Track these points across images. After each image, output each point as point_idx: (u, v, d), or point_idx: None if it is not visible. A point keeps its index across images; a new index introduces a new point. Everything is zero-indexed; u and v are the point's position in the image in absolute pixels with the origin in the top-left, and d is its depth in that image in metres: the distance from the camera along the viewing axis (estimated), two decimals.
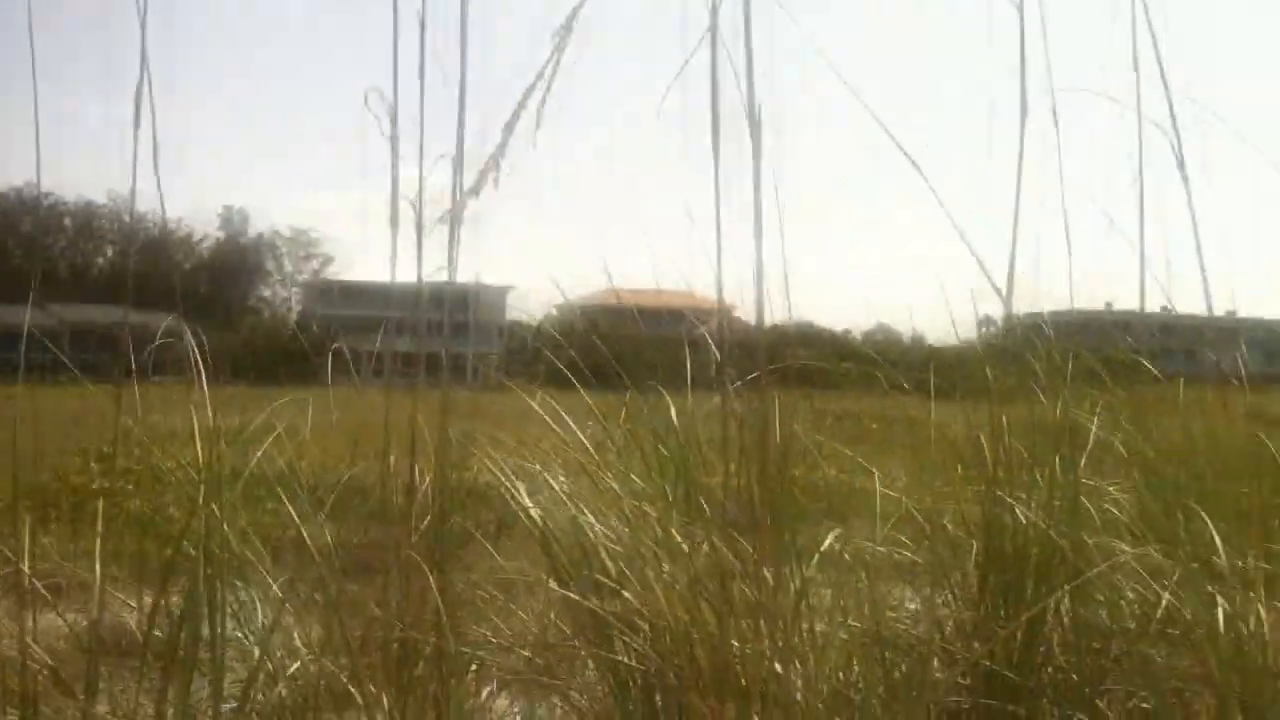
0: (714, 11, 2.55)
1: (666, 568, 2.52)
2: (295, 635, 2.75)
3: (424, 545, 2.77)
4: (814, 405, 3.79)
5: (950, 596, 3.00)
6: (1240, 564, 2.56)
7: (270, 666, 2.66)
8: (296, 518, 2.82)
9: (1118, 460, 3.22)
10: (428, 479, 2.92)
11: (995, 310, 3.50)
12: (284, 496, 2.89)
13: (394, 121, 2.72)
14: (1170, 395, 3.63)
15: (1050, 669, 2.78)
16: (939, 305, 3.92)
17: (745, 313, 2.96)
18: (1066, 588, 2.67)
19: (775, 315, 2.81)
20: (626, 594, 2.57)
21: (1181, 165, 2.89)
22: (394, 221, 2.76)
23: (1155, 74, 2.99)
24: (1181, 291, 3.28)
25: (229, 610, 2.64)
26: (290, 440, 3.11)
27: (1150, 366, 3.91)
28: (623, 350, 3.57)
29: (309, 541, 2.74)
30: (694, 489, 2.82)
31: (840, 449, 3.37)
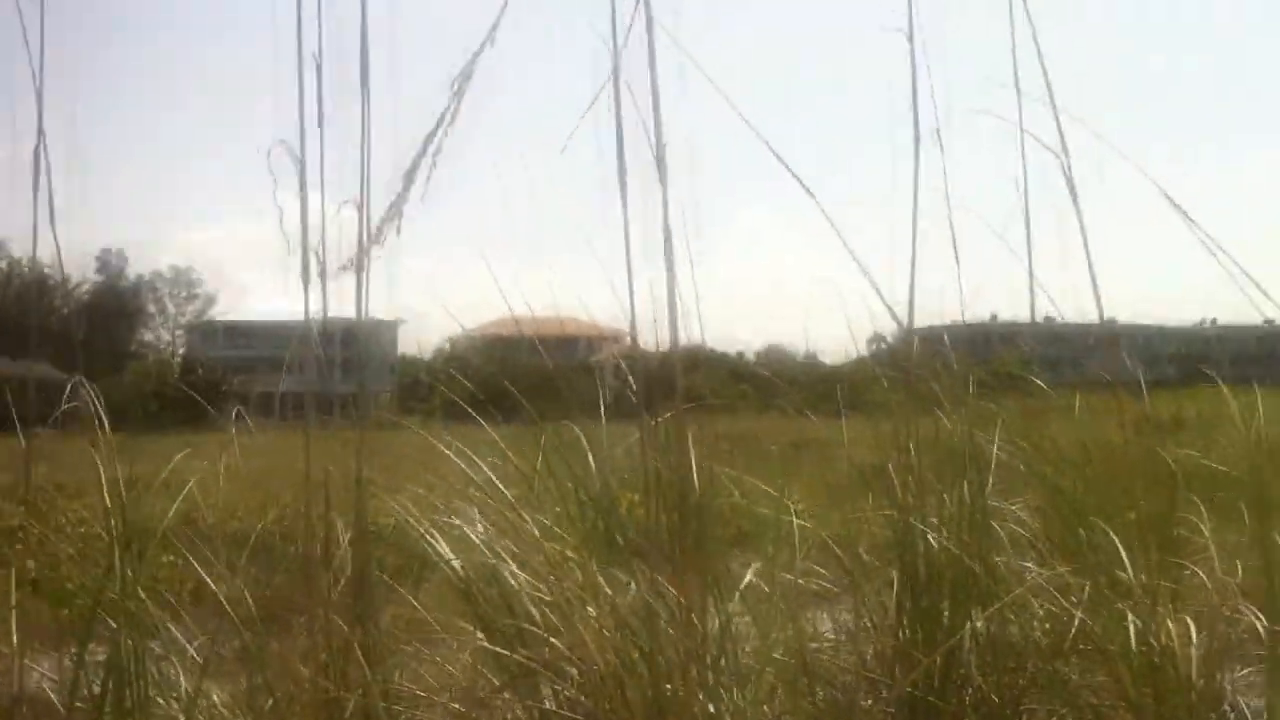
0: (616, 54, 2.54)
1: (592, 611, 2.45)
2: (215, 695, 2.62)
3: (344, 597, 2.66)
4: (718, 430, 3.76)
5: (869, 624, 2.99)
6: (1144, 577, 2.61)
7: None
8: (211, 573, 2.69)
9: (1019, 476, 3.27)
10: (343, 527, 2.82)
11: (888, 327, 3.54)
12: (196, 550, 2.75)
13: (302, 165, 2.65)
14: (1064, 405, 3.70)
15: (970, 690, 2.79)
16: (833, 325, 3.94)
17: (645, 339, 2.94)
18: (983, 612, 2.69)
19: (676, 341, 2.79)
20: (554, 640, 2.50)
21: (1070, 184, 2.95)
22: (305, 263, 2.67)
23: (1047, 100, 3.05)
24: (1064, 302, 3.35)
25: (149, 676, 2.49)
26: (199, 490, 2.96)
27: (1040, 378, 3.98)
28: (526, 380, 3.50)
29: (224, 599, 2.61)
30: (613, 526, 2.77)
31: (746, 478, 3.34)
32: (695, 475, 2.64)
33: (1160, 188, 2.98)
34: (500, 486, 2.94)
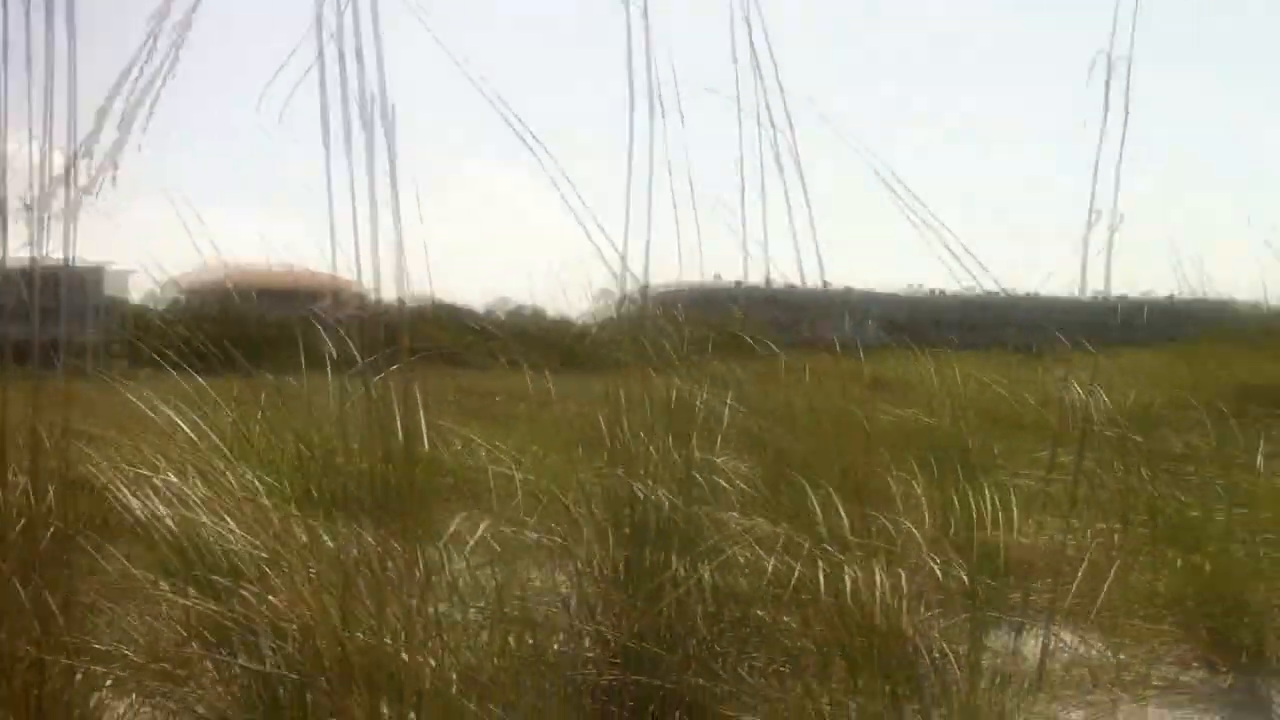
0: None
1: (309, 566, 2.39)
2: None
3: (44, 554, 2.49)
4: (459, 385, 3.73)
5: (593, 576, 3.05)
6: (839, 529, 2.78)
7: None
8: None
9: (744, 435, 3.41)
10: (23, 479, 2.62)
11: (630, 288, 3.62)
12: None
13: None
14: (796, 366, 3.87)
15: (693, 642, 2.89)
16: (578, 285, 3.97)
17: (383, 292, 2.87)
18: (702, 564, 2.78)
19: (414, 294, 2.75)
20: (270, 597, 2.42)
21: (794, 156, 3.07)
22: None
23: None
24: (797, 268, 3.50)
25: None
26: None
27: (773, 340, 4.14)
28: (259, 332, 3.36)
29: None
30: (332, 480, 2.70)
31: (479, 435, 3.34)
32: (409, 425, 2.60)
33: (873, 165, 3.16)
34: (216, 440, 2.82)
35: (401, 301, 2.67)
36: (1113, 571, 3.13)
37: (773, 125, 3.02)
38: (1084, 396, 3.53)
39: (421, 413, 2.68)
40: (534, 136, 2.92)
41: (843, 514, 2.90)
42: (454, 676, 2.49)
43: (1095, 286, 3.15)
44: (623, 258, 3.06)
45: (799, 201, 3.22)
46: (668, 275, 3.52)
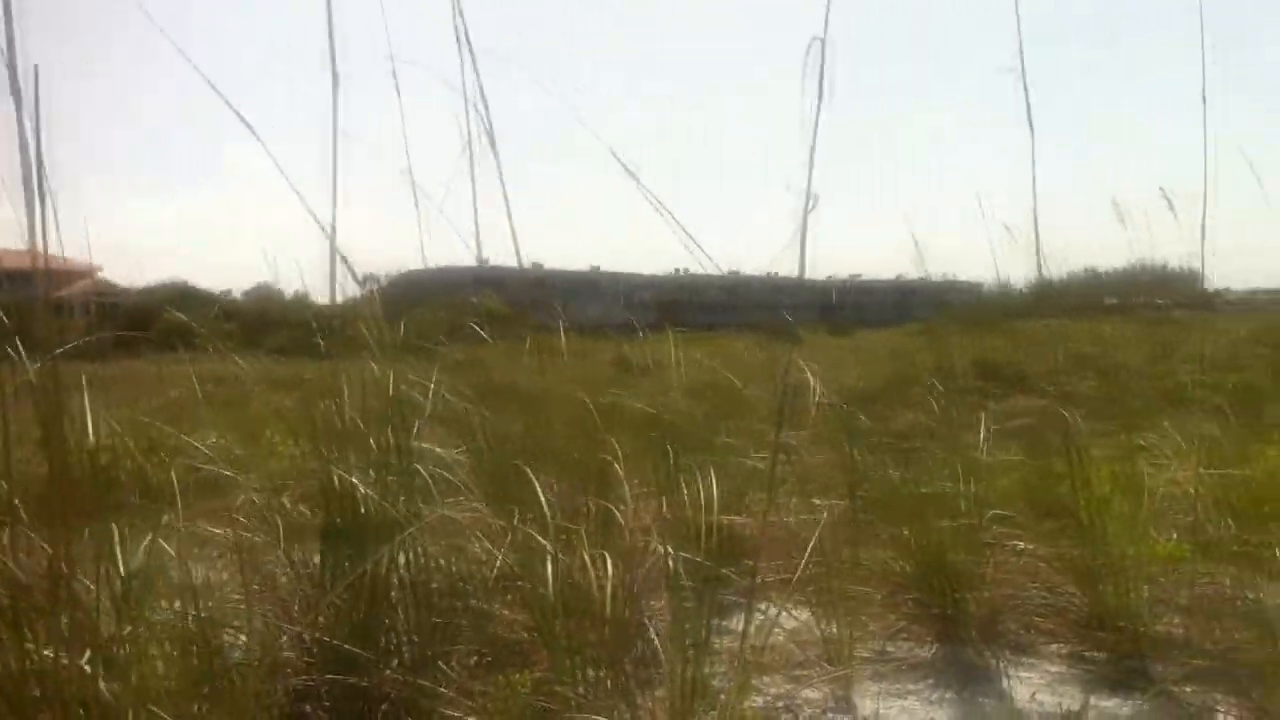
0: None
1: None
2: None
3: None
4: (194, 371, 3.46)
5: (294, 573, 2.87)
6: (559, 516, 2.72)
7: None
8: None
9: (464, 422, 3.30)
10: None
11: (383, 270, 3.47)
12: None
13: None
14: (537, 346, 3.77)
15: (395, 636, 2.77)
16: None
17: (116, 275, 2.61)
18: (404, 556, 2.66)
19: (148, 277, 2.50)
20: None
21: (491, 139, 2.96)
22: None
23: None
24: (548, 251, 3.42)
25: None
26: None
27: (528, 321, 4.04)
28: None
29: None
30: None
31: (171, 427, 3.08)
32: (88, 423, 2.36)
33: (614, 153, 3.11)
34: None
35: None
36: (813, 545, 3.19)
37: (484, 105, 2.90)
38: (809, 378, 3.61)
39: (90, 404, 2.42)
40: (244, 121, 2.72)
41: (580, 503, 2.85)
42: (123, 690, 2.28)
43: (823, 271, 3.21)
44: (332, 237, 2.90)
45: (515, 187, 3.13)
46: (409, 260, 3.37)
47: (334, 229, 2.91)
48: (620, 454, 3.07)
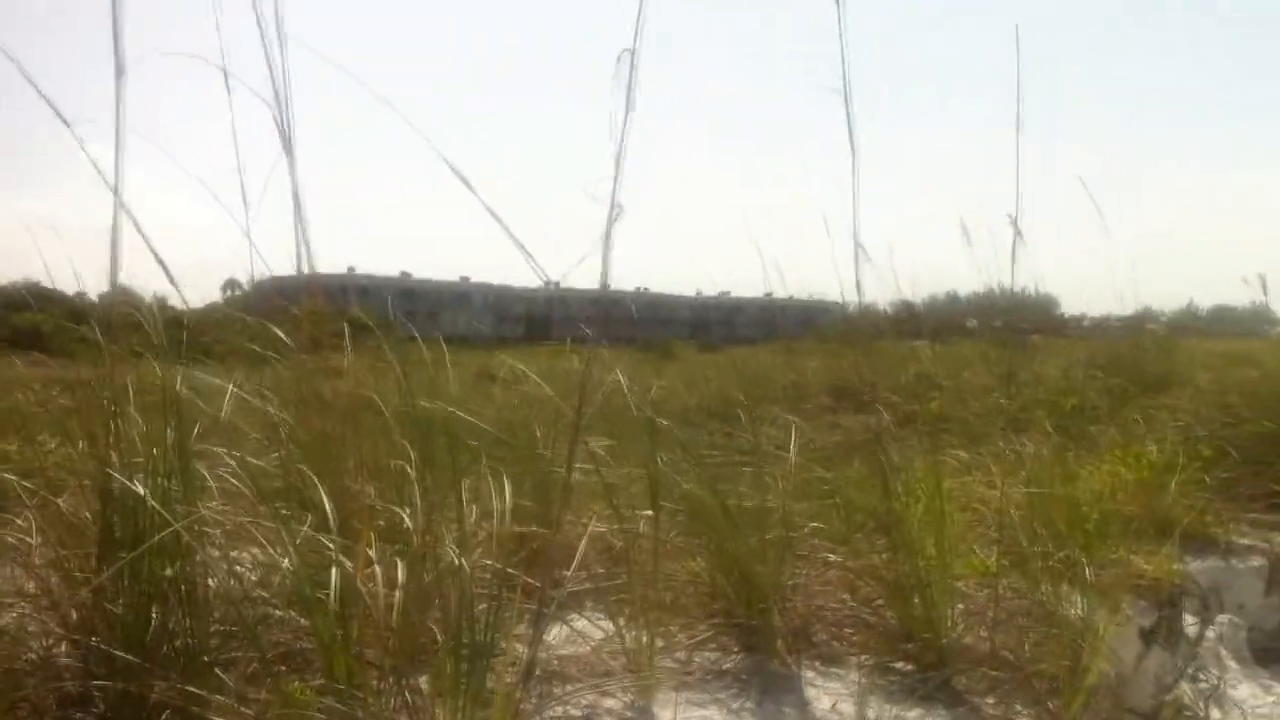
0: None
1: None
2: None
3: None
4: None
5: (70, 578, 2.81)
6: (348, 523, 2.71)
7: None
8: None
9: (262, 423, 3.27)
10: None
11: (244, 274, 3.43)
12: None
13: None
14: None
15: (170, 645, 2.72)
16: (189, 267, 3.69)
17: None
18: (181, 563, 2.62)
19: None
20: None
21: (286, 139, 2.92)
22: None
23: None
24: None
25: None
26: None
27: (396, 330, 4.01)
28: None
29: None
30: None
31: None
32: None
33: (445, 157, 3.08)
34: None
35: None
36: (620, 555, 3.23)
37: (277, 101, 2.88)
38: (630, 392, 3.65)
39: None
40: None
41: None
42: None
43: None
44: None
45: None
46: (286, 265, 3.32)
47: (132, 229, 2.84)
48: (416, 460, 3.06)
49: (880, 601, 3.98)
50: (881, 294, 5.90)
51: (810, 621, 3.85)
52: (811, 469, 4.73)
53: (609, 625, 3.52)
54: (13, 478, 2.93)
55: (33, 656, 2.64)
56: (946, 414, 6.38)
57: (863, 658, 3.74)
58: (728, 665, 3.53)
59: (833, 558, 4.23)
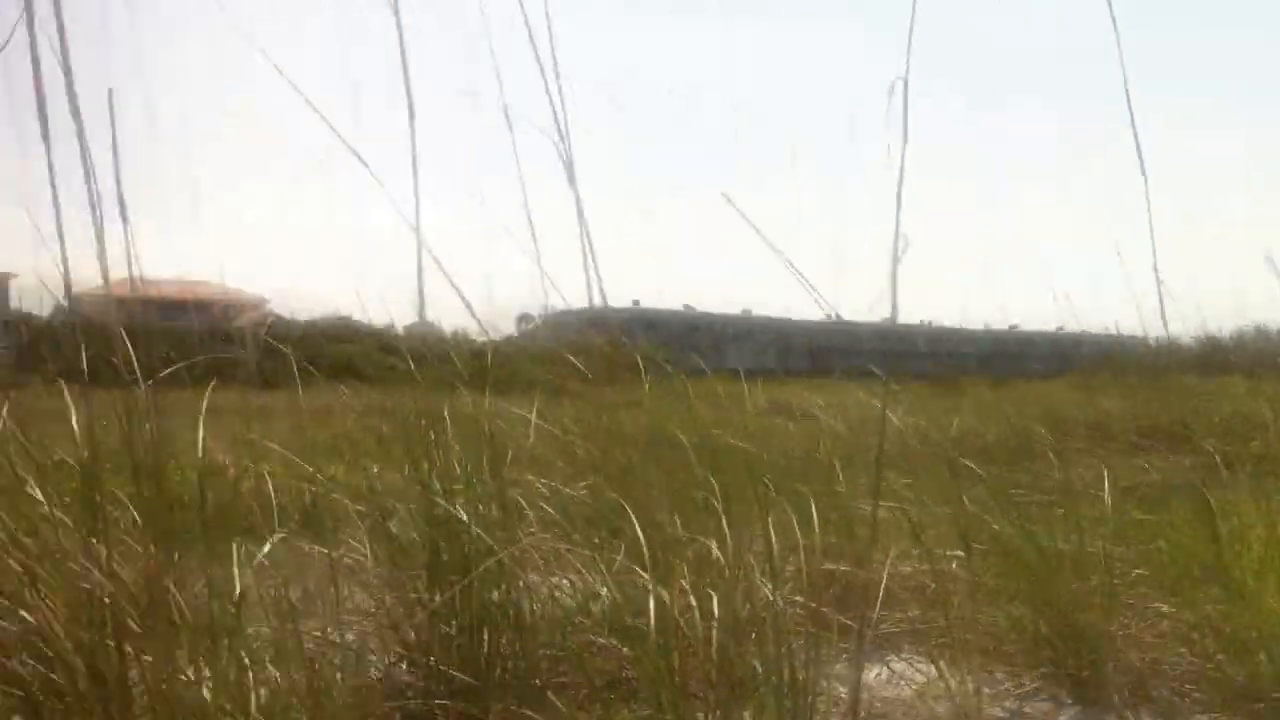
0: None
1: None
2: None
3: None
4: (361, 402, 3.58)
5: (414, 600, 2.92)
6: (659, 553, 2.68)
7: None
8: None
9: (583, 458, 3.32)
10: None
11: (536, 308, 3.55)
12: None
13: None
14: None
15: (503, 668, 2.78)
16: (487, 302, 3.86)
17: (281, 307, 2.77)
18: (506, 589, 2.68)
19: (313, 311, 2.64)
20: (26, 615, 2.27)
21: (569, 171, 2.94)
22: None
23: None
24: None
25: None
26: None
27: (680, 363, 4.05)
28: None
29: None
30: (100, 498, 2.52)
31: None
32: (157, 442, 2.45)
33: (727, 195, 3.07)
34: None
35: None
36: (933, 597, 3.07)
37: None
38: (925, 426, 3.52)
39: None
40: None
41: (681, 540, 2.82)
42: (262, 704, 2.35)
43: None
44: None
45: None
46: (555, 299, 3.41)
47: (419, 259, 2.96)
48: (722, 493, 3.02)
49: (1221, 657, 3.61)
50: (1183, 327, 5.44)
51: (1146, 675, 3.53)
52: (1128, 511, 4.39)
53: (928, 669, 3.35)
54: (347, 501, 3.08)
55: (376, 674, 2.76)
56: (1271, 455, 5.80)
57: (1207, 716, 3.40)
58: (1062, 718, 3.29)
59: (1165, 609, 3.88)
